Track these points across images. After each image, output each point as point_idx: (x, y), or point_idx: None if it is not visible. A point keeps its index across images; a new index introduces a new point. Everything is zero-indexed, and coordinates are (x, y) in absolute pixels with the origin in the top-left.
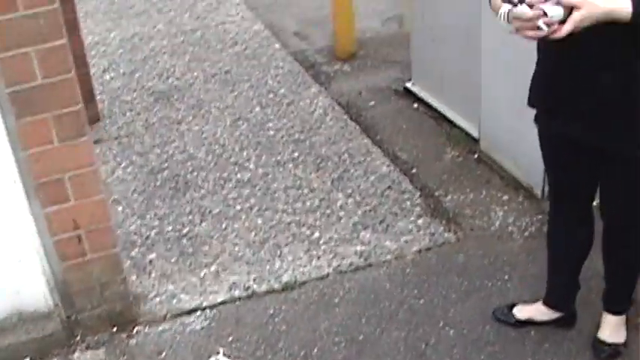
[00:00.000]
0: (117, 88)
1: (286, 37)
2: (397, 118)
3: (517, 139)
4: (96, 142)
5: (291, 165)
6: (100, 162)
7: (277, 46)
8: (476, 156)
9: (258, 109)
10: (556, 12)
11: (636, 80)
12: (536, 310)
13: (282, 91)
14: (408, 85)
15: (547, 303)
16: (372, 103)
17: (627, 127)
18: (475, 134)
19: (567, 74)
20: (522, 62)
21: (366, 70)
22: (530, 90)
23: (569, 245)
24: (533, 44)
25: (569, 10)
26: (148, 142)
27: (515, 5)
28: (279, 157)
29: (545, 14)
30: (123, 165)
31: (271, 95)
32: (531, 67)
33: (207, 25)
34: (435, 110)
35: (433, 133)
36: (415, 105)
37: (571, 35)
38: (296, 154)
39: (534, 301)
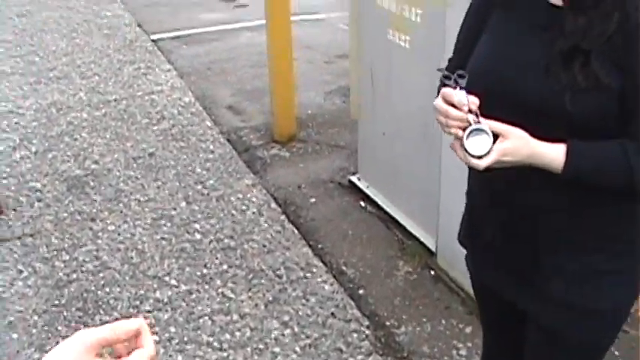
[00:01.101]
0: (27, 171)
1: (219, 111)
2: (342, 220)
3: None
4: None
5: (219, 281)
6: None
7: (209, 123)
8: (433, 273)
9: (183, 204)
10: (479, 143)
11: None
12: None
13: (212, 182)
14: (354, 179)
15: None
16: (313, 200)
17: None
18: (432, 246)
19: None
20: None
21: (306, 157)
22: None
23: None
24: None
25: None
26: (55, 243)
27: (444, 84)
28: (205, 271)
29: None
30: (24, 274)
31: (199, 187)
32: None
33: (133, 95)
34: (385, 212)
35: (383, 242)
36: (362, 203)
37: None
38: (225, 267)
39: None
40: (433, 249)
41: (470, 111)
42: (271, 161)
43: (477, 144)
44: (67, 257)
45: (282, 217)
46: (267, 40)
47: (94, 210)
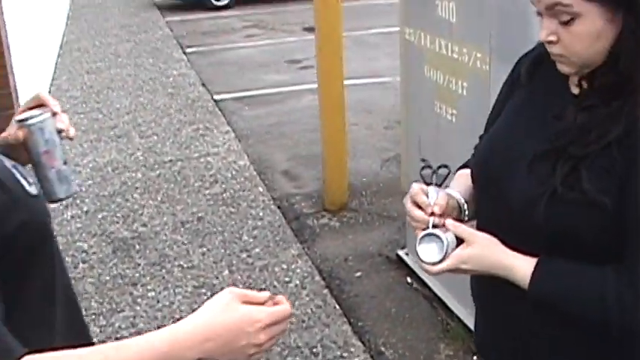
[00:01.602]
0: (76, 230)
1: (274, 176)
2: (386, 297)
3: None
4: None
5: None
6: None
7: (261, 189)
8: (475, 358)
9: (226, 272)
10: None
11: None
12: None
13: (257, 250)
14: (401, 253)
15: None
16: (359, 274)
17: None
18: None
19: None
20: None
21: (356, 227)
22: None
23: None
24: None
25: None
26: (94, 307)
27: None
28: None
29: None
30: None
31: (244, 255)
32: None
33: (188, 157)
34: (430, 289)
35: (426, 322)
36: (409, 279)
37: None
38: None
39: None
40: None
41: (432, 213)
42: (320, 231)
43: (430, 249)
44: (104, 322)
45: (325, 290)
46: (319, 105)
47: (137, 274)
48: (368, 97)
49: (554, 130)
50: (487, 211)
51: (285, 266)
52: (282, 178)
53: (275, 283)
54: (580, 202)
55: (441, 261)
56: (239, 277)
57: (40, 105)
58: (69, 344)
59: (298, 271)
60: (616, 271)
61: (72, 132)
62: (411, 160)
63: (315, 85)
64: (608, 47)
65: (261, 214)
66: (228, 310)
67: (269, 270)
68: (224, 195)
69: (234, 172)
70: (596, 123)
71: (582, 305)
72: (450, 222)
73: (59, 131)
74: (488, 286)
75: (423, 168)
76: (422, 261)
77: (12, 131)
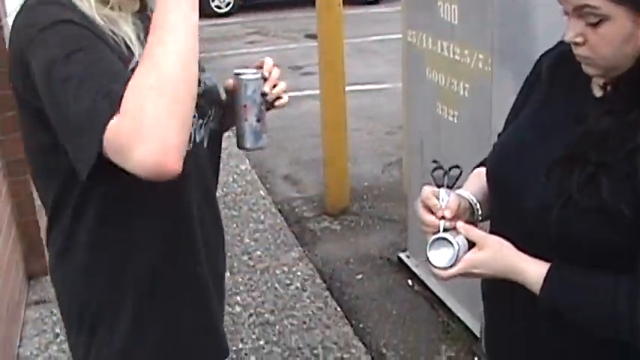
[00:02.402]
0: None
1: (275, 180)
2: (387, 299)
3: None
4: (36, 303)
5: (253, 358)
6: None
7: (262, 192)
8: (476, 359)
9: (227, 274)
10: (443, 253)
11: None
12: None
13: (259, 253)
14: (402, 256)
15: None
16: (360, 276)
17: None
18: (476, 331)
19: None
20: None
21: (357, 230)
22: None
23: None
24: None
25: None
26: None
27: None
28: (241, 345)
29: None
30: (60, 339)
31: (245, 257)
32: None
33: None
34: (432, 292)
35: (427, 323)
36: (409, 282)
37: None
38: (262, 342)
39: None
40: (478, 333)
41: (443, 217)
42: (321, 234)
43: (441, 254)
44: None
45: (326, 293)
46: (320, 110)
47: None
48: (369, 104)
49: (574, 134)
50: (500, 213)
51: (286, 269)
52: (284, 182)
53: (276, 284)
54: (596, 210)
55: (452, 266)
56: (240, 280)
57: (262, 67)
58: None
59: (299, 273)
60: (629, 280)
61: (281, 101)
62: (413, 162)
63: (317, 91)
64: (636, 51)
65: (262, 217)
66: None
67: (270, 272)
68: (225, 198)
69: (235, 176)
70: (619, 129)
71: (593, 313)
72: (460, 225)
73: (264, 94)
74: (498, 287)
75: (434, 169)
76: (433, 265)
77: (231, 80)
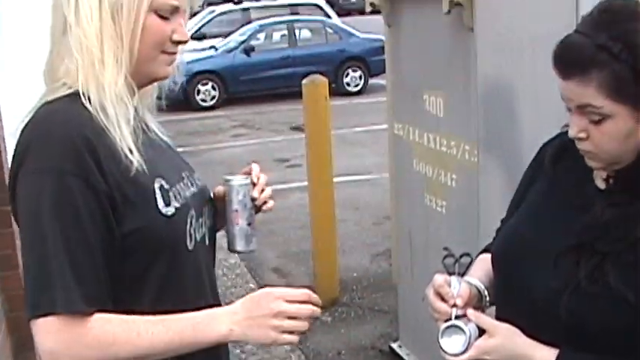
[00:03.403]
0: None
1: (264, 273)
2: None
3: None
4: None
5: None
6: None
7: (252, 285)
8: None
9: None
10: (455, 340)
11: None
12: None
13: (250, 346)
14: (394, 346)
15: None
16: None
17: None
18: None
19: None
20: None
21: (349, 321)
22: None
23: None
24: None
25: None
26: None
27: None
28: None
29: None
30: None
31: (237, 351)
32: None
33: None
34: None
35: None
36: None
37: None
38: None
39: None
40: None
41: (455, 305)
42: (312, 325)
43: (453, 341)
44: None
45: None
46: (309, 202)
47: None
48: (356, 194)
49: (579, 225)
50: (507, 299)
51: None
52: (273, 274)
53: None
54: (604, 296)
55: (463, 352)
56: None
57: (249, 172)
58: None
59: None
60: None
61: (268, 205)
62: (402, 253)
63: (303, 183)
64: (638, 145)
65: None
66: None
67: None
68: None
69: (225, 270)
70: (624, 220)
71: None
72: (471, 312)
73: (253, 199)
74: None
75: (445, 257)
76: (445, 352)
77: (221, 187)
